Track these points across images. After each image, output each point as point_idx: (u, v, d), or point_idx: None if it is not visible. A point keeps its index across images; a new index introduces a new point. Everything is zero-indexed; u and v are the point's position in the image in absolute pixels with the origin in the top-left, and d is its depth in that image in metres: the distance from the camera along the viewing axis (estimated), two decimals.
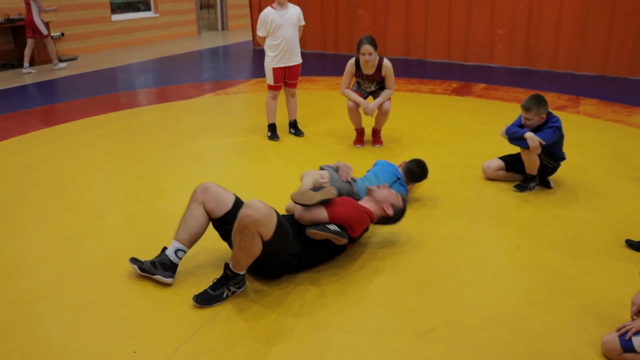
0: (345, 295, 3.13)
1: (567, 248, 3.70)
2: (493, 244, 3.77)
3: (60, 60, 10.54)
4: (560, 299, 3.12)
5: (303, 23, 5.79)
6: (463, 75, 9.82)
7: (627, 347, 2.53)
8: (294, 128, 6.12)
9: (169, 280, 3.15)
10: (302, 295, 3.11)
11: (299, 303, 3.04)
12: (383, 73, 5.42)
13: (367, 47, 5.23)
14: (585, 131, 6.40)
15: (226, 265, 3.02)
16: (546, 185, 4.73)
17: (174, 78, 9.56)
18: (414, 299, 3.08)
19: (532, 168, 4.58)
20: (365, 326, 2.86)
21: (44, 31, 9.75)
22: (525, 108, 4.46)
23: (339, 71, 9.57)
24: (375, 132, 5.75)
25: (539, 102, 4.43)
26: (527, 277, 3.34)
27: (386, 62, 5.40)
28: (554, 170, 4.68)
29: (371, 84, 5.52)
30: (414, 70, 10.41)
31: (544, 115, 4.46)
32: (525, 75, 9.96)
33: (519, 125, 4.59)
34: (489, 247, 3.72)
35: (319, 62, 11.40)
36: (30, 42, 9.72)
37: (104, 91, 8.42)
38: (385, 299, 3.09)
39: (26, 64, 9.76)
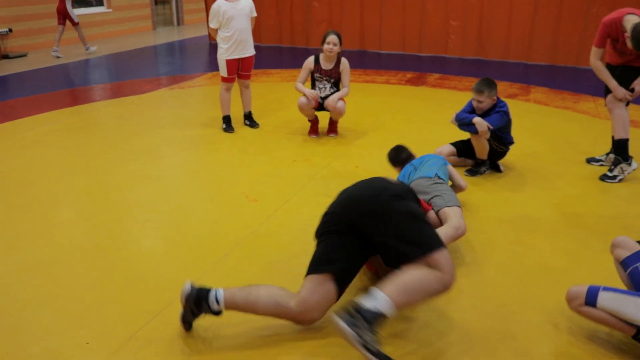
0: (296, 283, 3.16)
1: (515, 227, 3.82)
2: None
3: (88, 47, 11.33)
4: (506, 276, 3.22)
5: (255, 14, 5.79)
6: (418, 66, 9.96)
7: (591, 300, 2.50)
8: (249, 120, 6.11)
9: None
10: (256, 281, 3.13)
11: None
12: (341, 69, 5.55)
13: (333, 37, 5.40)
14: (535, 118, 6.58)
15: None
16: (496, 169, 4.86)
17: (128, 73, 9.42)
18: (365, 281, 3.13)
19: (482, 153, 4.69)
20: None
21: (75, 19, 10.81)
22: (478, 90, 4.56)
23: (294, 64, 9.61)
24: (332, 122, 5.80)
25: (490, 84, 4.55)
26: (476, 257, 3.43)
27: (344, 60, 5.57)
28: (503, 154, 4.81)
29: (328, 83, 5.57)
30: (369, 61, 10.49)
31: (495, 98, 4.58)
32: (478, 65, 10.15)
33: (469, 111, 4.70)
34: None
35: (275, 55, 11.39)
36: (60, 29, 10.76)
37: (56, 87, 8.25)
38: None
39: (56, 47, 10.75)
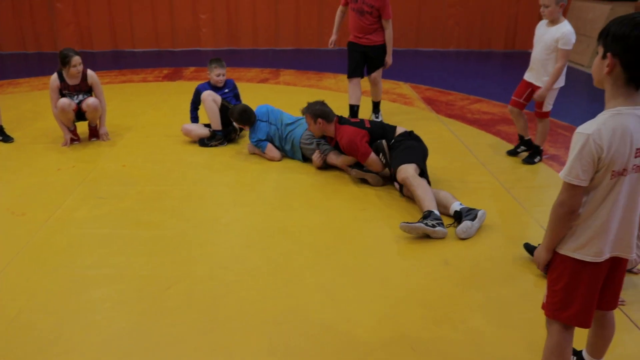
0: (84, 284, 3.31)
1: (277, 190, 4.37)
2: (219, 197, 4.26)
3: None
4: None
5: None
6: (173, 61, 10.17)
7: None
8: (1, 134, 5.82)
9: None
10: (38, 289, 3.21)
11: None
12: (90, 82, 5.62)
13: (77, 58, 5.42)
14: (285, 97, 7.28)
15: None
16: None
17: None
18: (150, 264, 3.40)
19: None
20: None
21: None
22: (221, 66, 5.73)
23: (44, 71, 9.17)
24: (91, 127, 5.82)
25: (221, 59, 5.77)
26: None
27: (90, 72, 5.62)
28: None
29: (79, 94, 5.60)
30: (124, 61, 10.41)
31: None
32: (232, 54, 10.70)
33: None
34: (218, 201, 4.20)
35: (21, 63, 10.66)
36: None
37: None
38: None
39: None
